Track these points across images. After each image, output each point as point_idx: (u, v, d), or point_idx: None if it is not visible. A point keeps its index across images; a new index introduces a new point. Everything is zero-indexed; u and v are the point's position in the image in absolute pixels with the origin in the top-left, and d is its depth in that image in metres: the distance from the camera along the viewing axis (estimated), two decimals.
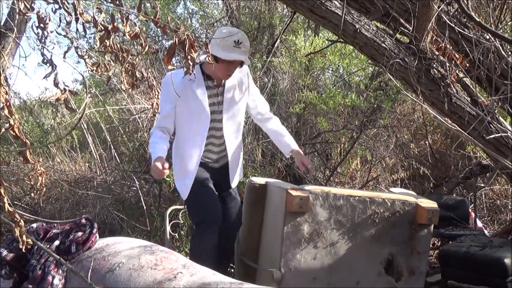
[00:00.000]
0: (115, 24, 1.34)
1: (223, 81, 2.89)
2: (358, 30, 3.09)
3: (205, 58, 2.65)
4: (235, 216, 3.17)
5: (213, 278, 2.21)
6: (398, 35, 3.29)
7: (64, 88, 1.70)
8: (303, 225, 3.32)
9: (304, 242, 3.34)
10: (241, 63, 2.79)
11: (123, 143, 5.54)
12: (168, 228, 3.09)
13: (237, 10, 6.58)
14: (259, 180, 3.66)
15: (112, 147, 4.72)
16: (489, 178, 4.59)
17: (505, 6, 3.37)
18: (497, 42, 3.08)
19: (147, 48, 1.40)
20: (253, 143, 4.64)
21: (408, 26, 3.22)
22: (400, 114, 6.80)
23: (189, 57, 1.33)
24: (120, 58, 1.51)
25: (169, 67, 1.53)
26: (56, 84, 1.68)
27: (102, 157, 5.31)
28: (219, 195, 3.07)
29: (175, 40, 1.31)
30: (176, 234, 3.25)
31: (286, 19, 6.23)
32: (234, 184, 3.18)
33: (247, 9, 6.71)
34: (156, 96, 1.76)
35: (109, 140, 4.88)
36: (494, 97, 2.53)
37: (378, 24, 3.49)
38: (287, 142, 3.17)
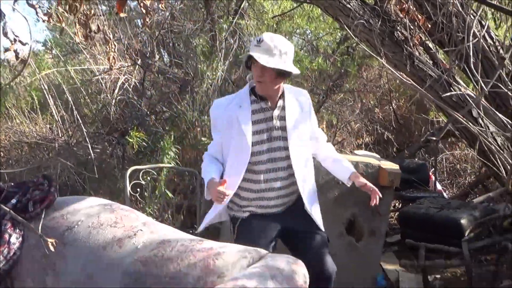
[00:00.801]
0: None
1: (280, 101, 2.46)
2: None
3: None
4: (320, 261, 2.42)
5: (173, 235, 2.21)
6: None
7: (14, 39, 1.62)
8: None
9: None
10: (278, 73, 2.34)
11: (86, 105, 5.41)
12: (128, 187, 3.06)
13: None
14: None
15: (74, 109, 4.60)
16: (441, 133, 4.71)
17: None
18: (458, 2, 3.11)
19: None
20: None
21: None
22: (367, 79, 6.86)
23: (142, 4, 1.28)
24: (73, 8, 1.44)
25: (121, 15, 1.46)
26: (5, 34, 1.60)
27: (64, 119, 5.18)
28: (296, 240, 2.51)
29: None
30: (137, 195, 3.21)
31: None
32: (317, 219, 2.54)
33: None
34: (113, 50, 1.69)
35: (71, 101, 4.75)
36: (453, 57, 2.57)
37: None
38: (343, 168, 2.64)
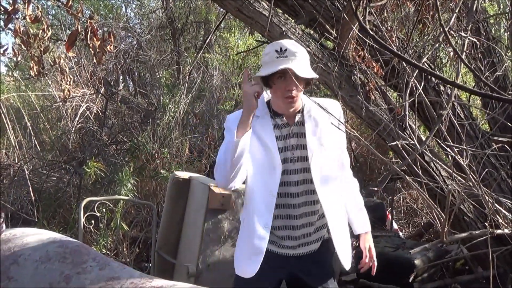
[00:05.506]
0: (15, 5, 1.29)
1: (297, 117, 2.08)
2: (284, 33, 3.14)
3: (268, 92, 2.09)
4: None
5: (123, 272, 2.18)
6: (323, 41, 3.37)
7: None
8: (224, 222, 3.34)
9: (224, 239, 3.36)
10: (306, 82, 2.04)
11: (45, 131, 5.33)
12: (82, 219, 3.01)
13: (173, 2, 6.51)
14: (183, 174, 3.64)
15: (33, 135, 4.52)
16: (382, 182, 4.83)
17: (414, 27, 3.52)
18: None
19: (50, 33, 1.36)
20: (179, 138, 4.61)
21: (333, 32, 3.32)
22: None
23: (91, 45, 1.30)
24: (26, 43, 1.45)
25: (69, 54, 1.49)
26: None
27: (21, 144, 5.07)
28: None
29: (77, 27, 1.28)
30: (91, 227, 3.16)
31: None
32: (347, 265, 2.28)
33: (183, 3, 6.66)
34: (68, 83, 1.67)
35: (30, 127, 4.66)
36: (405, 102, 2.67)
37: (306, 28, 3.57)
38: (362, 221, 2.30)
